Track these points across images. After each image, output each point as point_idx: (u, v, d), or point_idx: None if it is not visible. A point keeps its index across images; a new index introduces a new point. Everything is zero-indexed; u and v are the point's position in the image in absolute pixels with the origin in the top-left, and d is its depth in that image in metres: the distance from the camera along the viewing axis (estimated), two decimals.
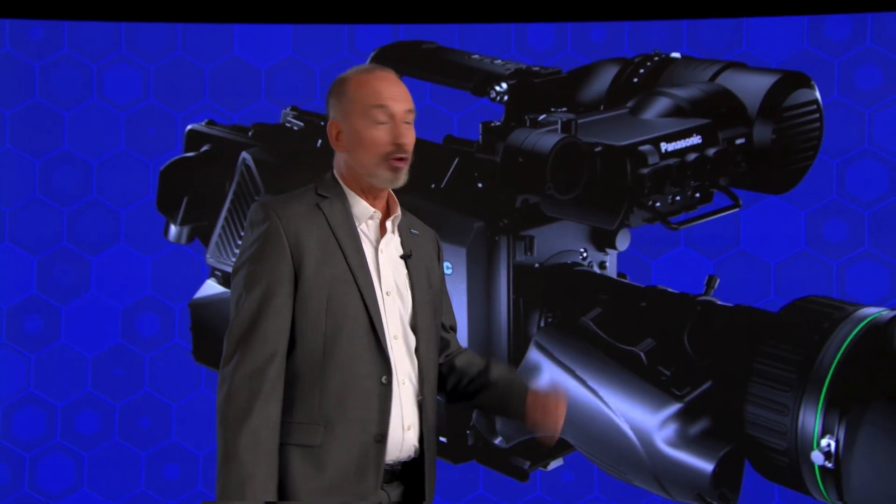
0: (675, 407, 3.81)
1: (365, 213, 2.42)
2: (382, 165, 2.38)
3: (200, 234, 4.54)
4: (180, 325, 4.53)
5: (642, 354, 3.86)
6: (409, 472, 2.43)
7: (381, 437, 2.34)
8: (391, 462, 2.39)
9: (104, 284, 4.56)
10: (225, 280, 4.47)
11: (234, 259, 4.37)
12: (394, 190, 2.46)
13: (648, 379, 3.84)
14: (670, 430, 3.79)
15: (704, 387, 3.86)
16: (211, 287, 4.51)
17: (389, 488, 2.40)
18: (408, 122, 2.41)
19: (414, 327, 2.44)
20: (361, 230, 2.42)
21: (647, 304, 3.97)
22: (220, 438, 2.28)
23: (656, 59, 4.21)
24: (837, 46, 4.29)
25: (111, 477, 4.52)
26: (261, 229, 2.35)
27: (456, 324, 2.70)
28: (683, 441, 3.78)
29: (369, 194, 2.43)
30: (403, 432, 2.39)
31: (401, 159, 2.39)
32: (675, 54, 4.24)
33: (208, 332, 4.50)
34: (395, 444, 2.38)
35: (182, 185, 4.51)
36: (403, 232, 2.49)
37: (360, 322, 2.35)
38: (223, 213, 4.41)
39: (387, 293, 2.41)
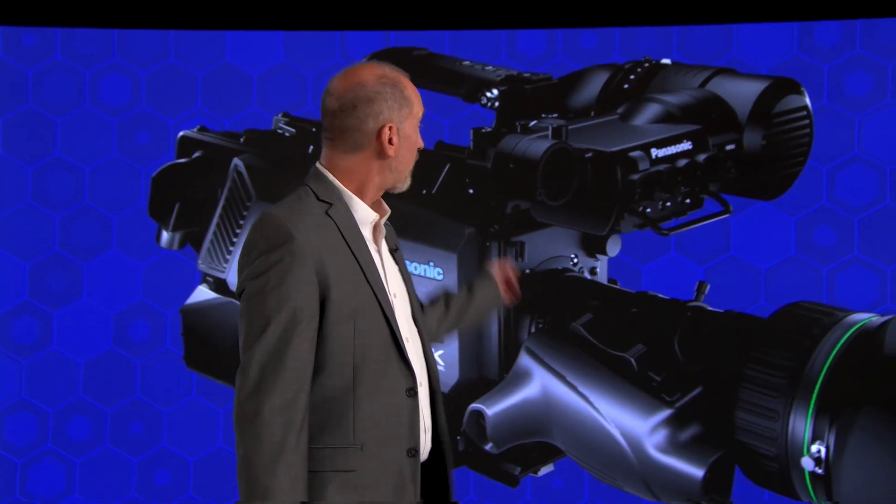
0: (665, 413, 3.80)
1: (368, 218, 2.35)
2: (411, 172, 2.41)
3: (192, 239, 4.54)
4: (172, 331, 4.53)
5: (633, 360, 3.85)
6: (424, 474, 2.37)
7: (414, 452, 2.29)
8: None
9: (96, 290, 4.56)
10: (217, 286, 4.46)
11: (225, 265, 4.39)
12: (386, 195, 2.44)
13: (639, 385, 3.83)
14: (661, 435, 3.78)
15: (695, 393, 3.85)
16: (203, 293, 4.51)
17: None
18: None
19: (415, 320, 2.41)
20: (364, 235, 2.36)
21: (638, 309, 3.95)
22: (251, 473, 2.15)
23: (647, 65, 4.21)
24: (827, 52, 4.30)
25: (102, 483, 4.51)
26: (283, 249, 2.21)
27: None
28: (674, 447, 3.77)
29: (371, 198, 2.37)
30: (424, 436, 2.34)
31: None
32: (666, 60, 4.24)
33: (200, 338, 4.50)
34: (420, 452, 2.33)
35: (174, 191, 4.51)
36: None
37: (383, 335, 2.28)
38: (215, 219, 4.41)
39: (394, 295, 2.36)
